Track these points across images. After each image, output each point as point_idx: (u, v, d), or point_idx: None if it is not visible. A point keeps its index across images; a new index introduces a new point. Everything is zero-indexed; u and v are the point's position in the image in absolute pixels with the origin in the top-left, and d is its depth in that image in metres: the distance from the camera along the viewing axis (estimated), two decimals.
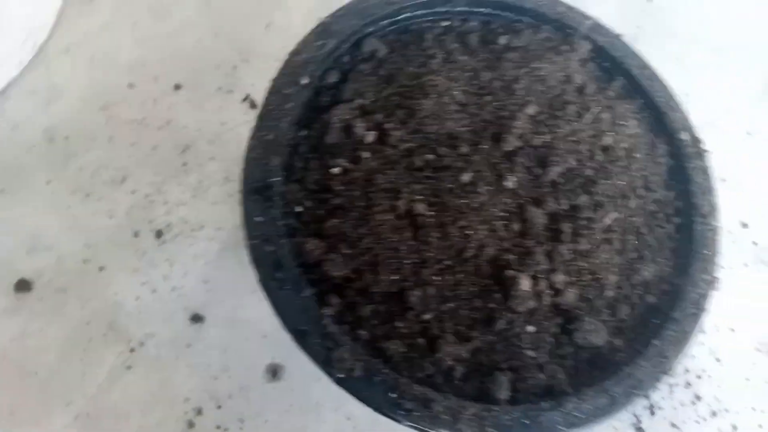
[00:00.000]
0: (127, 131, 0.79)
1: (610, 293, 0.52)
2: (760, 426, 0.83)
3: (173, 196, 0.77)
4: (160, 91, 0.83)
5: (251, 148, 0.50)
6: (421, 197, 0.50)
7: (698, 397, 0.83)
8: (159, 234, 0.75)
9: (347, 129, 0.53)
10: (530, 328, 0.49)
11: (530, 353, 0.49)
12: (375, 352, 0.47)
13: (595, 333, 0.50)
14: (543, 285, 0.49)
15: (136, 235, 0.74)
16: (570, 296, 0.50)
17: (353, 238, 0.49)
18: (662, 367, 0.50)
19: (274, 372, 0.72)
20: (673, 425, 0.81)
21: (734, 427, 0.83)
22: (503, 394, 0.47)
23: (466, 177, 0.51)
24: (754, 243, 0.94)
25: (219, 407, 0.69)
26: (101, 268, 0.72)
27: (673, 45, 0.98)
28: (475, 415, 0.45)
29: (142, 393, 0.68)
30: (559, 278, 0.50)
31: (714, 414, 0.83)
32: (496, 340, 0.48)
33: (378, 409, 0.45)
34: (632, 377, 0.49)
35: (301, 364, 0.72)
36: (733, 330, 0.88)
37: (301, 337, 0.45)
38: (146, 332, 0.70)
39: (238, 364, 0.71)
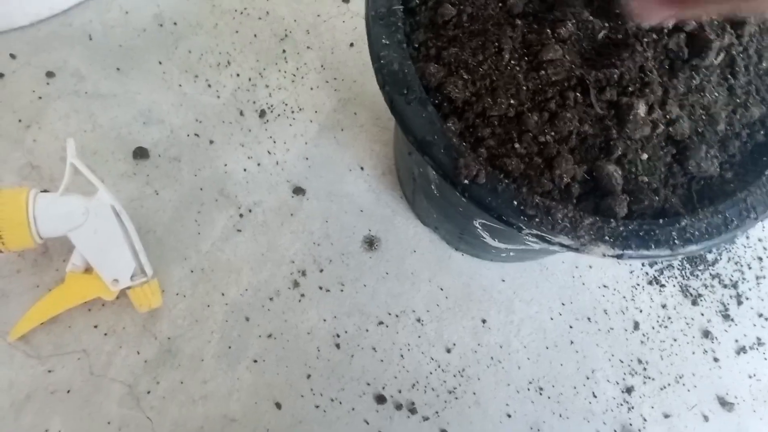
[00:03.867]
0: (230, 20, 0.83)
1: (720, 128, 0.52)
2: None
3: (274, 81, 0.81)
4: None
5: None
6: (538, 27, 0.52)
7: None
8: (262, 114, 0.79)
9: None
10: (644, 156, 0.51)
11: (644, 179, 0.50)
12: (495, 169, 0.49)
13: (707, 161, 0.51)
14: (657, 114, 0.50)
15: (241, 113, 0.78)
16: (683, 127, 0.51)
17: (472, 65, 0.51)
18: None
19: (371, 242, 0.75)
20: (761, 315, 0.81)
21: None
22: (620, 210, 0.48)
23: (586, 14, 0.53)
24: None
25: (321, 270, 0.73)
26: (211, 142, 0.76)
27: None
28: (593, 224, 0.47)
29: (251, 253, 0.72)
30: (674, 109, 0.51)
31: None
32: (612, 164, 0.50)
33: (501, 217, 0.47)
34: (746, 202, 0.50)
35: (396, 238, 0.76)
36: None
37: (427, 147, 0.48)
38: (254, 200, 0.75)
39: (338, 233, 0.75)
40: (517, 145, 0.50)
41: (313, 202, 0.76)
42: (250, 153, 0.76)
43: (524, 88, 0.51)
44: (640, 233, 0.47)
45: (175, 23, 0.82)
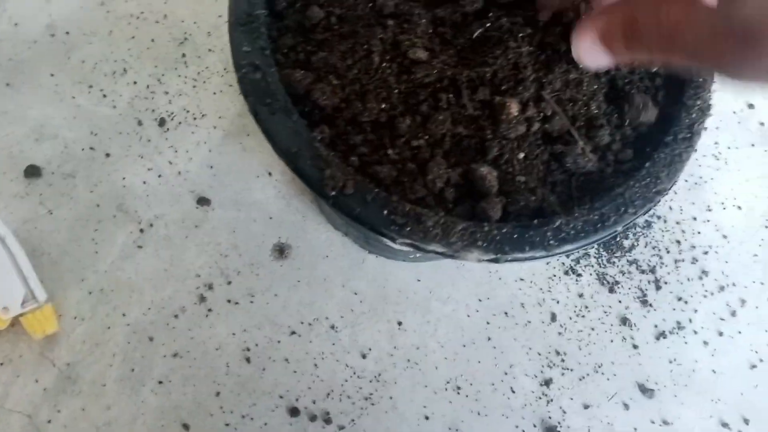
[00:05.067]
0: (126, 25, 0.80)
1: (600, 122, 0.52)
2: None
3: (174, 87, 0.79)
4: None
5: None
6: (408, 27, 0.50)
7: (705, 273, 0.84)
8: (162, 122, 0.76)
9: None
10: (521, 155, 0.50)
11: (521, 178, 0.49)
12: (366, 177, 0.47)
13: (585, 158, 0.50)
14: (532, 111, 0.49)
15: (139, 123, 0.76)
16: (560, 123, 0.50)
17: (342, 70, 0.49)
18: (655, 187, 0.50)
19: (281, 250, 0.73)
20: (680, 299, 0.82)
21: (743, 301, 0.83)
22: (494, 213, 0.47)
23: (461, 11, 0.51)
24: (761, 123, 0.93)
25: (229, 283, 0.71)
26: (107, 155, 0.74)
27: None
28: (465, 229, 0.46)
29: (154, 269, 0.70)
30: (549, 105, 0.50)
31: (722, 288, 0.83)
32: (487, 166, 0.49)
33: (372, 227, 0.45)
34: (623, 197, 0.49)
35: (307, 244, 0.74)
36: (739, 208, 0.88)
37: (293, 159, 0.46)
38: (155, 214, 0.72)
39: (246, 243, 0.73)
40: (390, 151, 0.49)
41: (219, 212, 0.74)
42: (150, 164, 0.74)
43: (396, 91, 0.49)
44: (514, 236, 0.46)
45: (67, 32, 0.78)
